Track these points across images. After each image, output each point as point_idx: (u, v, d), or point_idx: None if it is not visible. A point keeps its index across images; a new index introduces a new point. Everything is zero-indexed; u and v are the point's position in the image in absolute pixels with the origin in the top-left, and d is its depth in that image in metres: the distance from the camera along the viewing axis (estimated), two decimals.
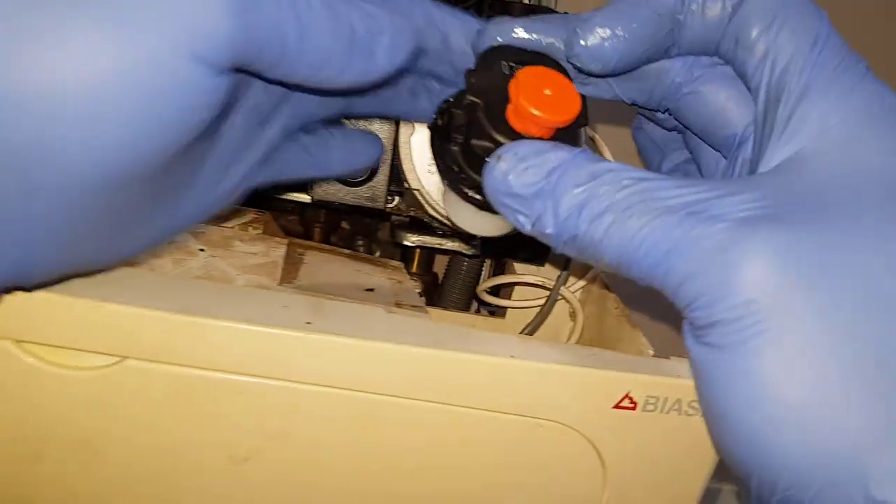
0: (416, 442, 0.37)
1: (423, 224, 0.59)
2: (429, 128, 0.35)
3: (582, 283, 0.54)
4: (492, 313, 0.65)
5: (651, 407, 0.38)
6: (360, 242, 0.72)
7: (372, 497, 0.38)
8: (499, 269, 0.63)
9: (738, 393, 0.26)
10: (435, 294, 0.66)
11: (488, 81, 0.31)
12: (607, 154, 0.56)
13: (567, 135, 0.30)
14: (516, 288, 0.57)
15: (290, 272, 0.45)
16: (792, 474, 0.25)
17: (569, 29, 0.31)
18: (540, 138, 0.30)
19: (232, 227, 0.50)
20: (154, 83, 0.22)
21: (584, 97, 0.31)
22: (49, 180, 0.22)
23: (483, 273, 0.70)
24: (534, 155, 0.28)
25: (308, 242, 0.54)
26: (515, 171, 0.28)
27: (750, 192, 0.26)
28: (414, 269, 0.64)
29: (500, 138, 0.30)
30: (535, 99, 0.29)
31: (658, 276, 0.27)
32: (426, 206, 0.51)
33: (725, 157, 0.33)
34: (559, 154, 0.28)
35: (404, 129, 0.49)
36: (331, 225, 0.68)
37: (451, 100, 0.34)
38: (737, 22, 0.29)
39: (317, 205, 0.50)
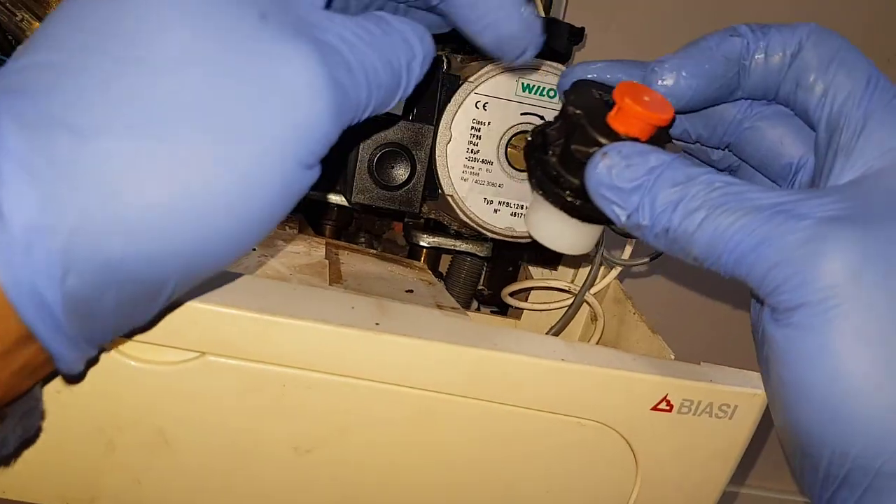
0: (468, 437, 0.39)
1: (438, 226, 0.61)
2: (525, 148, 0.38)
3: (599, 286, 0.57)
4: (494, 313, 0.67)
5: (686, 409, 0.40)
6: (363, 239, 0.74)
7: (424, 488, 0.40)
8: (505, 274, 0.65)
9: (820, 368, 0.28)
10: None
11: (584, 100, 0.35)
12: None
13: (660, 141, 0.34)
14: (532, 292, 0.60)
15: (335, 272, 0.47)
16: (866, 441, 0.28)
17: (646, 69, 0.35)
18: (639, 140, 0.33)
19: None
20: (265, 192, 0.26)
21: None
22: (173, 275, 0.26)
23: (483, 275, 0.72)
24: (636, 154, 0.31)
25: (339, 242, 0.56)
26: (619, 166, 0.31)
27: (829, 197, 0.29)
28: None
29: (603, 140, 0.33)
30: (639, 100, 0.33)
31: (745, 266, 0.29)
32: (457, 210, 0.53)
33: (780, 186, 0.37)
34: (660, 155, 0.31)
35: (441, 137, 0.51)
36: (341, 223, 0.70)
37: (545, 122, 0.37)
38: (797, 67, 0.33)
39: (356, 209, 0.52)
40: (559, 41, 0.66)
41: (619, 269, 0.57)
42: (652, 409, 0.40)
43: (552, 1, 0.80)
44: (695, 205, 0.30)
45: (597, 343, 0.54)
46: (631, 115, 0.32)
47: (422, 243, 0.62)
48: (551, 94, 0.53)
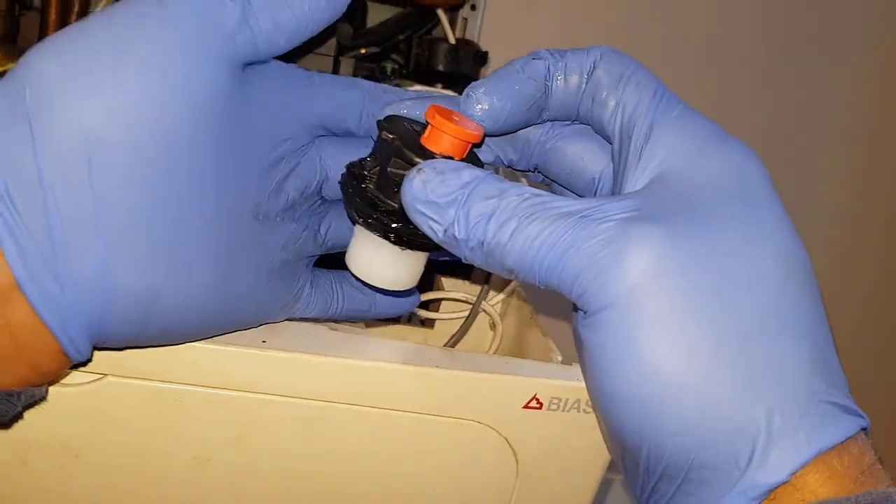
0: (353, 442, 0.43)
1: None
2: (340, 182, 0.38)
3: (502, 296, 0.61)
4: (422, 323, 0.72)
5: (555, 406, 0.45)
6: None
7: (315, 492, 0.44)
8: (428, 285, 0.70)
9: (627, 370, 0.29)
10: None
11: (399, 128, 0.37)
12: (524, 178, 0.64)
13: (473, 161, 0.36)
14: (443, 302, 0.64)
15: None
16: (677, 437, 0.29)
17: (461, 99, 0.37)
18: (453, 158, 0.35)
19: None
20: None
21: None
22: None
23: None
24: (450, 170, 0.33)
25: None
26: (433, 181, 0.32)
27: (626, 201, 0.31)
28: None
29: (418, 160, 0.34)
30: (450, 118, 0.35)
31: (555, 274, 0.31)
32: None
33: None
34: (473, 171, 0.33)
35: None
36: None
37: (356, 162, 0.38)
38: (591, 85, 0.36)
39: None
40: (465, 65, 0.70)
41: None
42: (524, 407, 0.44)
43: (466, 23, 0.84)
44: (506, 216, 0.31)
45: (497, 349, 0.58)
46: (443, 133, 0.34)
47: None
48: None
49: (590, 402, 0.45)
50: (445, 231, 0.32)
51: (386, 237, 0.37)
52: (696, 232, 0.30)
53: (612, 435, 0.33)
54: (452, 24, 0.80)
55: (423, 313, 0.61)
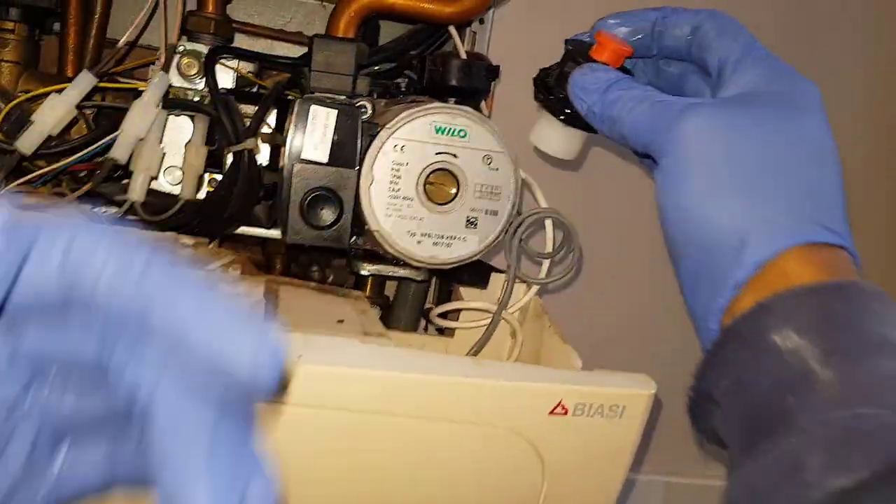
0: (390, 450, 0.45)
1: (377, 254, 0.67)
2: (534, 80, 0.52)
3: (520, 304, 0.63)
4: (440, 332, 0.73)
5: (580, 412, 0.46)
6: (315, 269, 0.80)
7: (346, 500, 0.46)
8: (445, 295, 0.71)
9: (677, 193, 0.41)
10: (389, 316, 0.74)
11: (576, 43, 0.51)
12: (538, 194, 0.65)
13: (623, 69, 0.48)
14: (462, 312, 0.66)
15: (271, 310, 0.52)
16: (701, 233, 0.40)
17: (598, 24, 0.50)
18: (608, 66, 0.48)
19: (214, 270, 0.57)
20: None
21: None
22: None
23: (429, 296, 0.78)
24: (601, 70, 0.46)
25: (281, 278, 0.62)
26: (589, 75, 0.46)
27: (699, 97, 0.46)
28: (367, 293, 0.72)
29: (585, 62, 0.48)
30: (612, 37, 0.48)
31: (648, 138, 0.43)
32: (384, 243, 0.59)
33: None
34: (616, 73, 0.46)
35: (364, 179, 0.57)
36: (291, 256, 0.75)
37: (544, 68, 0.52)
38: (699, 36, 0.46)
39: (290, 246, 0.58)
40: (478, 80, 0.72)
41: (535, 287, 0.63)
42: (549, 413, 0.46)
43: (475, 36, 0.86)
44: (626, 102, 0.44)
45: (517, 356, 0.60)
46: (604, 46, 0.48)
47: (363, 272, 0.67)
48: (462, 133, 0.59)
49: (612, 407, 0.47)
50: (590, 107, 0.45)
51: (556, 114, 0.52)
52: (744, 111, 0.41)
53: (674, 247, 0.42)
54: (462, 38, 0.82)
55: (444, 323, 0.63)
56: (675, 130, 0.41)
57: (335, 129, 0.58)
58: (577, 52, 0.49)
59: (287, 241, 0.58)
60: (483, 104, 0.80)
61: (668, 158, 0.41)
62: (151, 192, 0.61)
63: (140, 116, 0.56)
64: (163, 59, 0.60)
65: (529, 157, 0.61)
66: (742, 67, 0.43)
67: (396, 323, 0.74)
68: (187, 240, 0.62)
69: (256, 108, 0.63)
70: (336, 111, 0.57)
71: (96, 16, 0.74)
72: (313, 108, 0.57)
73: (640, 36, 0.49)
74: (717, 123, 0.40)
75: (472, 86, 0.72)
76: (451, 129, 0.59)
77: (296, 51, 0.95)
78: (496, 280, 0.69)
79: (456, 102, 0.72)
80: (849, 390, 0.33)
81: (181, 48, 0.71)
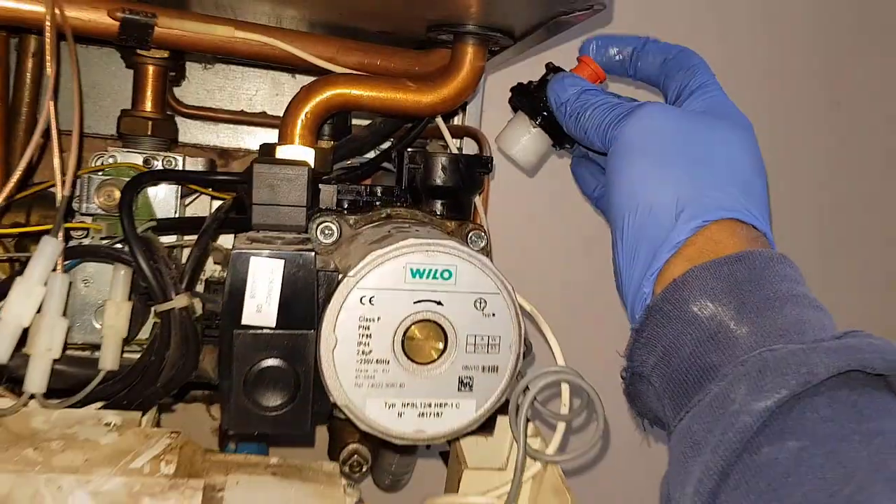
0: None
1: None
2: (513, 88, 0.59)
3: (530, 473, 0.50)
4: None
5: None
6: None
7: None
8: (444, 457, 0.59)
9: (633, 163, 0.45)
10: (378, 471, 0.62)
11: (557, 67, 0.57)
12: (548, 332, 0.53)
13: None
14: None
15: None
16: (639, 211, 0.44)
17: (584, 46, 0.57)
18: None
19: (141, 469, 0.44)
20: None
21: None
22: None
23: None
24: (579, 79, 0.53)
25: (231, 459, 0.49)
26: (569, 79, 0.53)
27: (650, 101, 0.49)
28: (346, 466, 0.59)
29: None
30: (591, 60, 0.55)
31: (605, 135, 0.48)
32: (355, 420, 0.46)
33: None
34: (589, 84, 0.53)
35: (325, 343, 0.45)
36: None
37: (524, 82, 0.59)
38: (666, 66, 0.53)
39: (234, 435, 0.45)
40: (468, 177, 0.59)
41: (541, 466, 0.50)
42: None
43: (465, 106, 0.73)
44: (594, 104, 0.50)
45: None
46: (585, 65, 0.55)
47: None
48: (445, 275, 0.47)
49: None
50: (563, 104, 0.52)
51: (531, 117, 0.58)
52: (692, 114, 0.47)
53: (614, 215, 0.46)
54: (449, 118, 0.70)
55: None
56: (631, 117, 0.47)
57: (283, 282, 0.45)
58: (559, 68, 0.57)
59: (229, 430, 0.45)
60: (478, 199, 0.68)
61: (621, 140, 0.46)
62: (65, 359, 0.49)
63: (22, 301, 0.43)
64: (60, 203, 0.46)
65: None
66: (695, 96, 0.49)
67: (382, 482, 0.61)
68: (113, 417, 0.50)
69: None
70: (283, 261, 0.45)
71: None
72: (253, 261, 0.44)
73: (620, 57, 0.55)
74: (668, 114, 0.47)
75: (461, 184, 0.59)
76: (430, 270, 0.46)
77: (263, 135, 0.83)
78: (504, 426, 0.56)
79: (443, 205, 0.60)
80: (761, 335, 0.37)
81: (107, 159, 0.59)
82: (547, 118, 0.56)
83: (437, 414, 0.47)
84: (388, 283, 0.46)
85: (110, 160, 0.59)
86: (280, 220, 0.48)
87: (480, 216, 0.69)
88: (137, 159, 0.60)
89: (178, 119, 0.78)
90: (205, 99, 0.81)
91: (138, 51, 0.62)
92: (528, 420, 0.48)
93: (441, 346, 0.47)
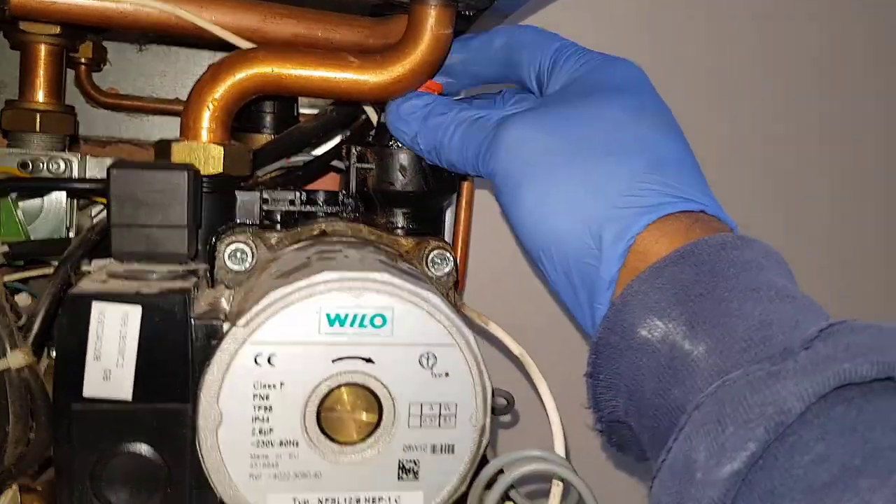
0: None
1: None
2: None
3: None
4: None
5: None
6: None
7: None
8: None
9: (522, 203, 0.38)
10: None
11: None
12: (545, 391, 0.39)
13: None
14: None
15: None
16: (555, 236, 0.36)
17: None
18: None
19: None
20: None
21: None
22: None
23: None
24: (415, 96, 0.44)
25: None
26: (405, 103, 0.44)
27: (514, 104, 0.44)
28: None
29: None
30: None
31: (476, 163, 0.41)
32: None
33: None
34: (429, 96, 0.44)
35: (205, 421, 0.32)
36: None
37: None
38: (509, 56, 0.45)
39: None
40: (435, 180, 0.46)
41: None
42: None
43: None
44: (448, 127, 0.42)
45: None
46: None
47: None
48: (378, 321, 0.33)
49: None
50: (413, 138, 0.44)
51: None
52: (561, 105, 0.40)
53: (534, 262, 0.39)
54: None
55: None
56: (495, 146, 0.39)
57: (143, 337, 0.32)
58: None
59: None
60: (454, 210, 0.54)
61: (498, 176, 0.39)
62: None
63: None
64: None
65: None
66: (556, 71, 0.43)
67: None
68: None
69: None
70: (139, 306, 0.32)
71: None
72: (96, 307, 0.31)
73: (453, 62, 0.47)
74: (533, 126, 0.39)
75: (426, 189, 0.46)
76: (356, 316, 0.33)
77: None
78: None
79: (405, 216, 0.47)
80: (721, 353, 0.30)
81: None
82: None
83: None
84: (295, 334, 0.33)
85: None
86: (151, 247, 0.35)
87: (460, 228, 0.56)
88: (15, 162, 0.47)
89: (108, 112, 0.66)
90: (144, 87, 0.68)
91: (21, 25, 0.49)
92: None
93: (373, 419, 0.34)
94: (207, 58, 0.69)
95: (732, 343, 0.30)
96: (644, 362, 0.32)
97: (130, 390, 0.32)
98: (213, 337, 0.33)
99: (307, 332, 0.33)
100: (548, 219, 0.36)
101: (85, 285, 0.32)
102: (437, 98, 0.44)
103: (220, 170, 0.41)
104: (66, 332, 0.31)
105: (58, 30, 0.50)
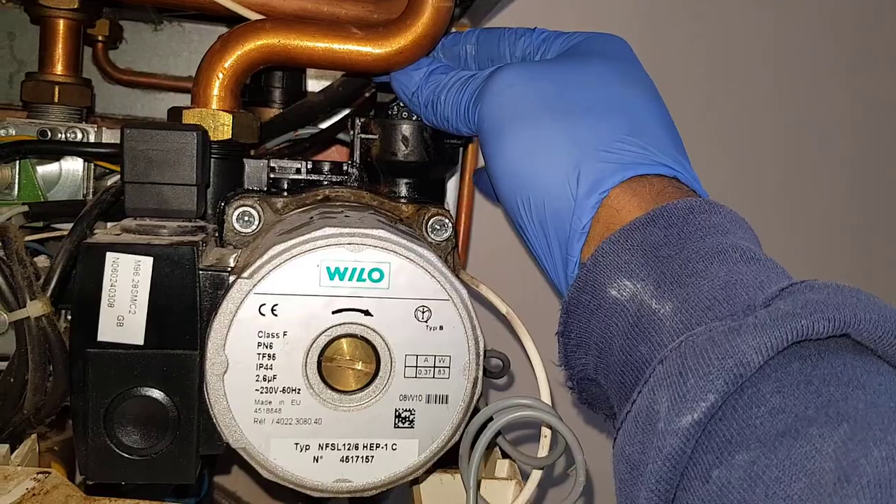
0: None
1: None
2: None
3: None
4: None
5: None
6: None
7: None
8: None
9: (505, 148, 0.39)
10: None
11: None
12: (529, 345, 0.41)
13: None
14: None
15: None
16: (533, 182, 0.37)
17: None
18: None
19: None
20: None
21: None
22: None
23: None
24: (422, 61, 0.46)
25: None
26: (410, 67, 0.46)
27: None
28: None
29: None
30: None
31: (467, 117, 0.42)
32: (255, 465, 0.35)
33: None
34: (434, 61, 0.46)
35: (212, 367, 0.34)
36: None
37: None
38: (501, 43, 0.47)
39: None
40: (437, 150, 0.48)
41: None
42: None
43: None
44: (445, 84, 0.43)
45: None
46: None
47: None
48: (375, 276, 0.35)
49: None
50: (413, 93, 0.45)
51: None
52: (552, 63, 0.41)
53: (510, 212, 0.40)
54: None
55: None
56: (484, 92, 0.40)
57: (154, 287, 0.34)
58: None
59: (86, 479, 0.35)
60: (456, 182, 0.56)
61: (485, 121, 0.40)
62: None
63: None
64: None
65: None
66: (545, 48, 0.45)
67: None
68: None
69: None
70: (151, 258, 0.34)
71: None
72: (110, 258, 0.33)
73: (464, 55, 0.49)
74: (525, 72, 0.40)
75: (427, 159, 0.47)
76: (355, 270, 0.35)
77: None
78: None
79: (408, 186, 0.48)
80: (686, 311, 0.31)
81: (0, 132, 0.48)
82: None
83: (367, 458, 0.36)
84: (298, 286, 0.34)
85: (2, 133, 0.48)
86: (162, 204, 0.37)
87: (464, 200, 0.58)
88: (35, 131, 0.49)
89: (126, 89, 0.69)
90: (158, 66, 0.70)
91: (40, 0, 0.51)
92: (483, 464, 0.37)
93: (370, 369, 0.36)
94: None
95: (697, 302, 0.31)
96: (613, 321, 0.33)
97: (142, 336, 0.34)
98: (220, 288, 0.35)
99: (308, 284, 0.34)
100: (528, 165, 0.37)
101: (100, 237, 0.34)
102: (441, 62, 0.46)
103: (229, 136, 0.43)
104: (82, 281, 0.33)
105: (76, 4, 0.52)
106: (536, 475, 0.38)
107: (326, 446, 0.36)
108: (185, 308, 0.34)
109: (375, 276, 0.35)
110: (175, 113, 0.44)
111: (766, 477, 0.25)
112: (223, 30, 0.71)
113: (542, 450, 0.38)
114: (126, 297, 0.34)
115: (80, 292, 0.33)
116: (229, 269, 0.35)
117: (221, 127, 0.43)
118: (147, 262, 0.34)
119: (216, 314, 0.34)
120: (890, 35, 1.00)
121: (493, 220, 0.78)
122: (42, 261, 0.47)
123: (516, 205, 0.38)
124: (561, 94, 0.38)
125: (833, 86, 0.99)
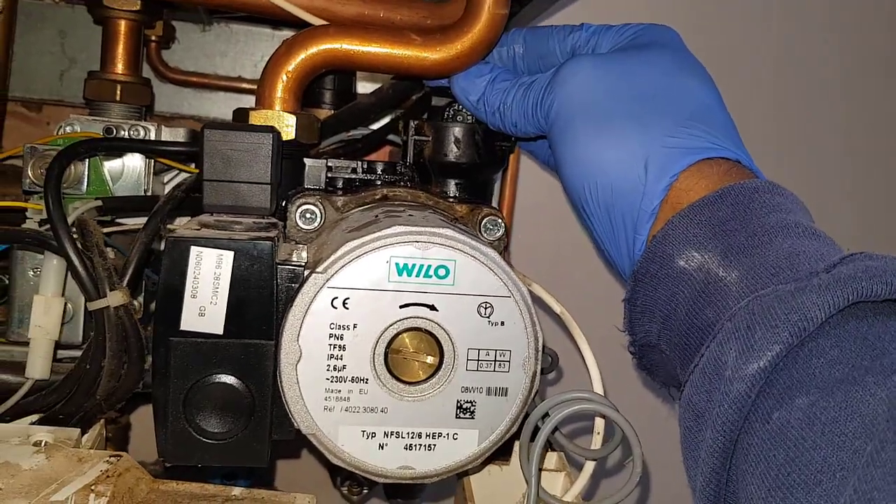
0: None
1: None
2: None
3: None
4: None
5: None
6: None
7: None
8: None
9: (576, 138, 0.40)
10: None
11: None
12: (583, 344, 0.42)
13: None
14: None
15: None
16: (602, 168, 0.39)
17: None
18: None
19: (64, 502, 0.36)
20: None
21: None
22: None
23: None
24: (482, 64, 0.47)
25: (184, 490, 0.40)
26: (473, 70, 0.47)
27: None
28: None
29: None
30: None
31: (535, 117, 0.43)
32: (325, 451, 0.37)
33: None
34: (493, 66, 0.47)
35: (286, 356, 0.35)
36: None
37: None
38: (551, 42, 0.49)
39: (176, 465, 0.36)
40: (486, 152, 0.49)
41: None
42: None
43: None
44: (510, 90, 0.45)
45: None
46: None
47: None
48: (441, 272, 0.37)
49: None
50: (479, 99, 0.46)
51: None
52: (616, 54, 0.43)
53: (578, 200, 0.41)
54: None
55: None
56: (554, 83, 0.42)
57: (234, 279, 0.36)
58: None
59: (165, 461, 0.36)
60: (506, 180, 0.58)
61: (553, 110, 0.42)
62: None
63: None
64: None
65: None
66: (598, 43, 0.45)
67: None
68: (45, 434, 0.41)
69: None
70: (232, 252, 0.35)
71: None
72: (194, 251, 0.35)
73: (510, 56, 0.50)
74: (591, 64, 0.41)
75: (478, 160, 0.49)
76: (422, 266, 0.37)
77: None
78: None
79: (458, 186, 0.50)
80: (752, 278, 0.33)
81: (66, 128, 0.50)
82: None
83: (429, 447, 0.38)
84: (368, 281, 0.36)
85: (68, 129, 0.50)
86: (238, 201, 0.39)
87: (505, 200, 0.59)
88: (100, 128, 0.51)
89: (173, 88, 0.70)
90: (205, 66, 0.72)
91: (104, 2, 0.53)
92: (542, 457, 0.38)
93: (434, 361, 0.37)
94: (266, 39, 0.73)
95: (763, 269, 0.33)
96: (680, 289, 0.35)
97: (222, 326, 0.36)
98: (294, 282, 0.37)
99: (378, 279, 0.36)
100: (597, 151, 0.39)
101: (183, 232, 0.36)
102: (500, 67, 0.47)
103: (292, 137, 0.45)
104: (167, 273, 0.35)
105: (138, 6, 0.54)
106: (590, 466, 0.40)
107: (391, 434, 0.37)
108: (262, 300, 0.36)
109: (441, 272, 0.37)
110: (241, 114, 0.45)
111: (823, 417, 0.28)
112: (269, 31, 0.73)
113: (595, 443, 0.40)
114: (208, 288, 0.35)
115: (165, 284, 0.35)
116: (304, 263, 0.37)
117: (286, 128, 0.45)
118: (229, 256, 0.35)
119: (291, 306, 0.36)
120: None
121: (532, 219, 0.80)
122: (109, 253, 0.49)
123: (583, 189, 0.40)
124: (628, 84, 0.40)
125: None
